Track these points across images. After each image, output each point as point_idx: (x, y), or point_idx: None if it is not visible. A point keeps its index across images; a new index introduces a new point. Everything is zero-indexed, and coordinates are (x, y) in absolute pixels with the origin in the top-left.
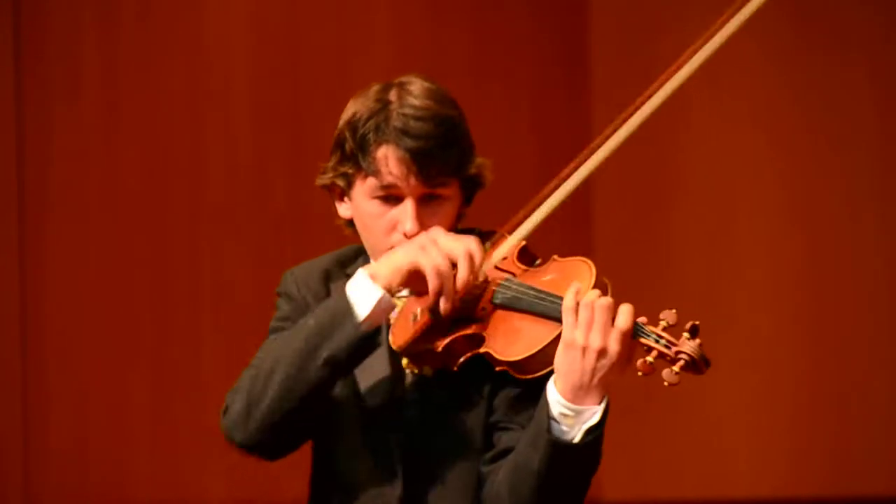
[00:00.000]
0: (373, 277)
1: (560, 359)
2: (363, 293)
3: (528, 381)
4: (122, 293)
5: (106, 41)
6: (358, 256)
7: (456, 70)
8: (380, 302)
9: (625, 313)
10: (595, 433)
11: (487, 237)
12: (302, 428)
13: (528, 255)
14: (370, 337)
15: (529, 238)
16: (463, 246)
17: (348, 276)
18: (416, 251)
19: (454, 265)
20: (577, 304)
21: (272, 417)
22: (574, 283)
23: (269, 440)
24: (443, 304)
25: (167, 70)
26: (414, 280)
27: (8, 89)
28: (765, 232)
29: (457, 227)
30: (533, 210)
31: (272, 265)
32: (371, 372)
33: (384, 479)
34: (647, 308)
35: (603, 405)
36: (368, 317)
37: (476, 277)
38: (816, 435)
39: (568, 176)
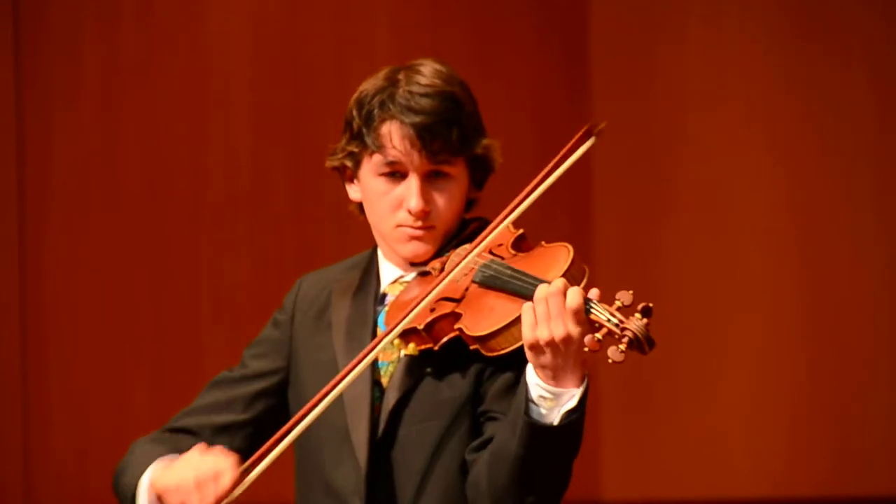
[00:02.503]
0: (152, 485)
1: (530, 357)
2: (143, 493)
3: (515, 370)
4: (122, 293)
5: (106, 41)
6: (366, 259)
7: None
8: None
9: (573, 293)
10: (574, 416)
11: (489, 225)
12: None
13: (524, 243)
14: None
15: (529, 231)
16: (209, 470)
17: (355, 274)
18: (170, 473)
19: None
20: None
21: None
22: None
23: None
24: None
25: (167, 70)
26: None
27: (8, 89)
28: (764, 232)
29: (465, 215)
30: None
31: (272, 265)
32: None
33: (351, 468)
34: (641, 299)
35: (582, 388)
36: None
37: (224, 496)
38: (816, 435)
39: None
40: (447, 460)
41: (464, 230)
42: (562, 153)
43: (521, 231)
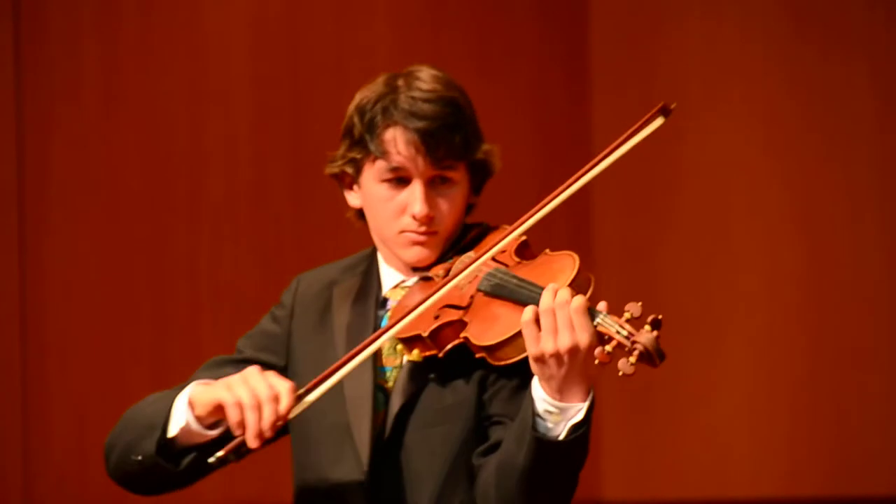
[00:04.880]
0: (191, 404)
1: (535, 369)
2: (180, 413)
3: (519, 375)
4: (121, 293)
5: (106, 41)
6: (365, 261)
7: (456, 70)
8: (186, 429)
9: (577, 300)
10: (580, 430)
11: (491, 230)
12: (158, 485)
13: (526, 250)
14: (172, 455)
15: (530, 235)
16: (268, 390)
17: (356, 279)
18: (223, 388)
19: (274, 399)
20: (536, 315)
21: (120, 470)
22: (528, 307)
23: (125, 484)
24: (249, 440)
25: (167, 70)
26: (221, 414)
27: (8, 89)
28: (764, 232)
29: (465, 220)
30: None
31: (272, 265)
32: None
33: (352, 467)
34: (647, 309)
35: (588, 401)
36: (177, 436)
37: (282, 419)
38: (816, 435)
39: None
40: (452, 464)
41: (465, 236)
42: (628, 133)
43: (524, 238)
